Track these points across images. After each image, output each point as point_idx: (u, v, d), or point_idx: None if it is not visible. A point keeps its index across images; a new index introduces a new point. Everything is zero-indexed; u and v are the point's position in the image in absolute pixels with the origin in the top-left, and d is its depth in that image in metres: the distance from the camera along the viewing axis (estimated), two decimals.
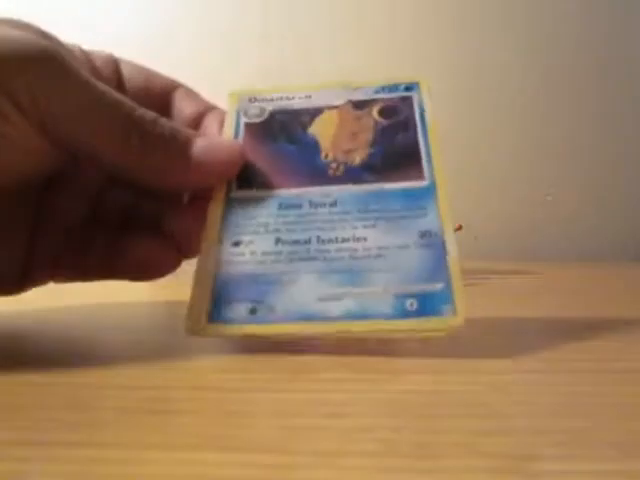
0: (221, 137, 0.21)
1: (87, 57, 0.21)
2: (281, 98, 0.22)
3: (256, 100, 0.22)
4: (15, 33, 0.17)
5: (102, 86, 0.18)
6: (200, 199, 0.21)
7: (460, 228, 0.46)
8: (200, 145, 0.19)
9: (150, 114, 0.19)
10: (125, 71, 0.22)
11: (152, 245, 0.21)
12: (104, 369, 0.15)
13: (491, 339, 0.19)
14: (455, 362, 0.16)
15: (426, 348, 0.17)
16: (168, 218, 0.21)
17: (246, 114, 0.22)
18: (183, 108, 0.22)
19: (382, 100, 0.21)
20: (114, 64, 0.22)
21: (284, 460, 0.09)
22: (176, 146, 0.18)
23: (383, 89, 0.22)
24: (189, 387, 0.14)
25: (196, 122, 0.22)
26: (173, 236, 0.21)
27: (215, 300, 0.17)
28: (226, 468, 0.09)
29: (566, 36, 0.74)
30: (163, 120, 0.19)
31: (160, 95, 0.22)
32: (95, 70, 0.21)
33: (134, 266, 0.21)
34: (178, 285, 0.37)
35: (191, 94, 0.23)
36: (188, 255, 0.22)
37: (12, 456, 0.09)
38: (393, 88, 0.22)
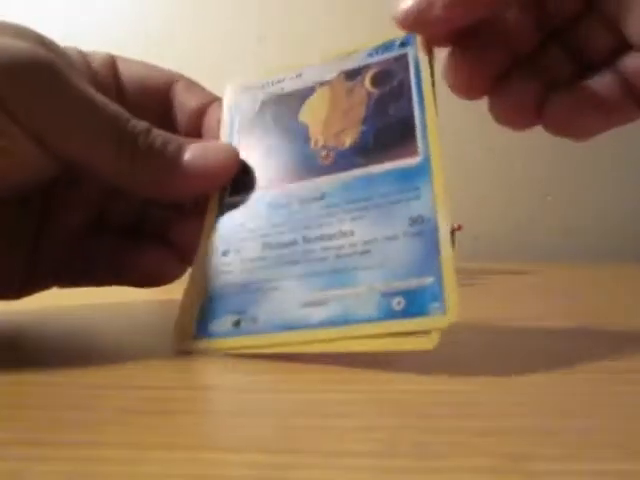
0: (214, 142, 0.20)
1: (84, 59, 0.21)
2: (272, 83, 0.21)
3: (248, 89, 0.21)
4: (9, 42, 0.17)
5: (98, 97, 0.18)
6: (203, 207, 0.21)
7: (460, 228, 0.46)
8: (192, 154, 0.19)
9: (142, 125, 0.18)
10: (123, 68, 0.22)
11: (157, 255, 0.21)
12: (104, 369, 0.15)
13: (491, 339, 0.19)
14: (455, 362, 0.16)
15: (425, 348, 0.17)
16: (171, 227, 0.21)
17: (239, 108, 0.21)
18: (185, 101, 0.22)
19: (375, 65, 0.20)
20: (111, 62, 0.22)
21: (284, 460, 0.09)
22: (167, 157, 0.18)
23: (377, 51, 0.20)
24: (189, 387, 0.14)
25: (199, 115, 0.22)
26: (177, 245, 0.21)
27: (202, 315, 0.17)
28: (226, 468, 0.09)
29: None
30: (155, 131, 0.19)
31: (160, 89, 0.22)
32: (92, 72, 0.21)
33: (139, 275, 0.21)
34: (178, 285, 0.37)
35: (192, 86, 0.22)
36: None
37: (12, 456, 0.09)
38: (388, 46, 0.20)
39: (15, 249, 0.20)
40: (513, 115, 0.19)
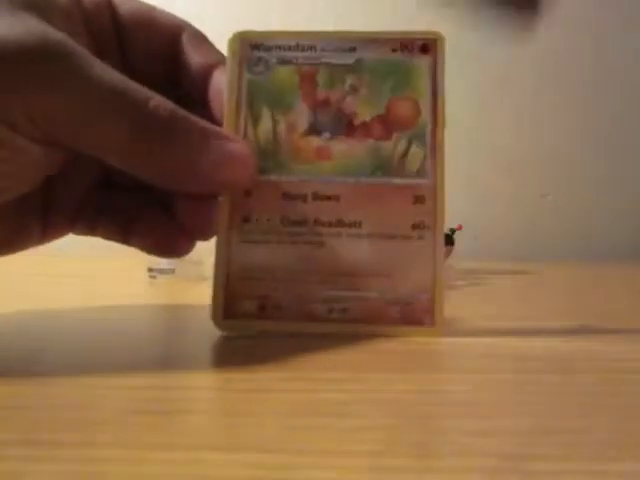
0: (238, 145, 0.18)
1: (78, 4, 0.18)
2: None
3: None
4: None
5: (108, 76, 0.16)
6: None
7: (460, 228, 0.46)
8: (214, 154, 0.17)
9: (165, 108, 0.17)
10: (123, 13, 0.20)
11: (163, 225, 0.21)
12: (104, 369, 0.15)
13: (490, 339, 0.19)
14: (454, 362, 0.16)
15: (425, 348, 0.17)
16: (177, 205, 0.21)
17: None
18: (191, 57, 0.20)
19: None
20: (108, 6, 0.19)
21: (284, 460, 0.09)
22: (187, 153, 0.17)
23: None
24: (189, 387, 0.14)
25: (204, 75, 0.20)
26: (183, 222, 0.21)
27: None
28: (226, 468, 0.09)
29: (568, 35, 0.74)
30: (179, 116, 0.17)
31: (165, 38, 0.20)
32: (85, 16, 0.19)
33: (144, 240, 0.21)
34: (177, 286, 0.37)
35: (199, 39, 0.20)
36: (199, 239, 0.21)
37: (12, 456, 0.09)
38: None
39: (28, 206, 0.20)
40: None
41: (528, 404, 0.12)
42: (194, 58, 0.20)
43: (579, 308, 0.28)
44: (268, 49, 0.20)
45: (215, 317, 0.19)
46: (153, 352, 0.18)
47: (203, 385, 0.14)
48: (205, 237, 0.21)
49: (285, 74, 0.20)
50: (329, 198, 0.19)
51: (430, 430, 0.11)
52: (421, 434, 0.10)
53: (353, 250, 0.19)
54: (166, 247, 0.21)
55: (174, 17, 0.21)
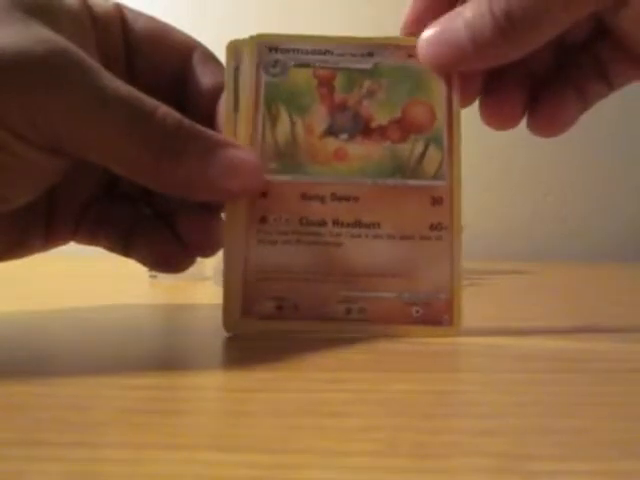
0: (245, 152, 0.18)
1: (87, 10, 0.18)
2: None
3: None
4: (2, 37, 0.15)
5: (114, 85, 0.16)
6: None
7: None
8: (221, 165, 0.17)
9: (172, 118, 0.17)
10: (135, 28, 0.19)
11: (163, 241, 0.21)
12: (104, 369, 0.15)
13: (490, 339, 0.19)
14: (455, 362, 0.16)
15: (426, 348, 0.17)
16: (179, 221, 0.21)
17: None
18: (200, 79, 0.20)
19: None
20: (119, 16, 0.19)
21: (284, 460, 0.09)
22: (196, 162, 0.17)
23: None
24: (189, 387, 0.14)
25: (213, 96, 0.20)
26: (183, 238, 0.21)
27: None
28: (226, 468, 0.09)
29: None
30: (185, 126, 0.17)
31: (176, 57, 0.20)
32: (97, 27, 0.19)
33: (144, 254, 0.21)
34: (178, 285, 0.37)
35: (209, 61, 0.20)
36: (200, 256, 0.21)
37: (12, 456, 0.09)
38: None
39: (32, 213, 0.20)
40: (503, 116, 0.21)
41: (528, 404, 0.12)
42: (203, 78, 0.20)
43: (579, 308, 0.28)
44: (285, 52, 0.20)
45: (230, 317, 0.19)
46: (153, 352, 0.18)
47: (204, 385, 0.14)
48: (205, 254, 0.21)
49: (302, 76, 0.20)
50: (347, 199, 0.19)
51: (430, 430, 0.11)
52: (421, 434, 0.10)
53: (372, 250, 0.19)
54: (166, 262, 0.21)
55: (187, 36, 0.21)
